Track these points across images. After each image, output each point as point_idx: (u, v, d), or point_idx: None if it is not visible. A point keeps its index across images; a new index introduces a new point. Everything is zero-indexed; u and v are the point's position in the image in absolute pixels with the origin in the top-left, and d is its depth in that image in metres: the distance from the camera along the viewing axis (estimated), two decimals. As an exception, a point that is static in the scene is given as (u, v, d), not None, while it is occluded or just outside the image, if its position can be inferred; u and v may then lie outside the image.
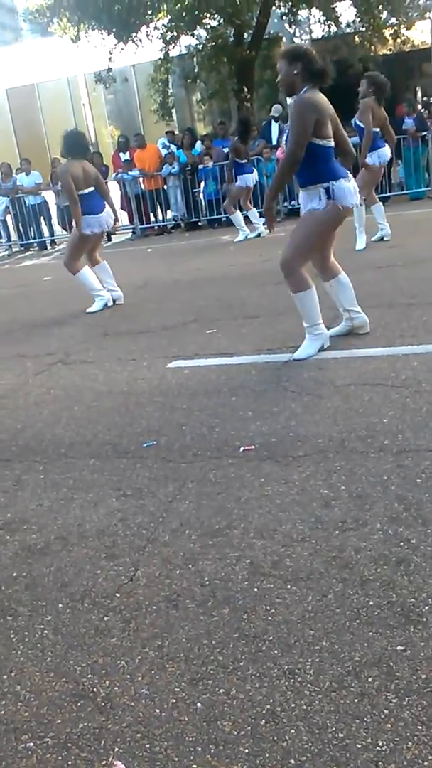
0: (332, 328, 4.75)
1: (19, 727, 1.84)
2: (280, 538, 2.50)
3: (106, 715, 1.83)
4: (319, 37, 17.51)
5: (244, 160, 11.03)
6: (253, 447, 3.27)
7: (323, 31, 17.02)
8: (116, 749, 1.72)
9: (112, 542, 2.65)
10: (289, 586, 2.22)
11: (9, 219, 15.59)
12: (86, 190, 6.94)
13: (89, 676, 1.98)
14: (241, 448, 3.27)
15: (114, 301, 7.25)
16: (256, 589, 2.23)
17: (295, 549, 2.42)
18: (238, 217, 11.11)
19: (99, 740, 1.75)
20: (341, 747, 1.63)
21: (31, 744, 1.78)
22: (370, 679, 1.81)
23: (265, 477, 2.97)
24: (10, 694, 1.96)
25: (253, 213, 11.24)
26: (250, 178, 11.09)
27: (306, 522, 2.57)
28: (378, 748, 1.61)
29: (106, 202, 7.15)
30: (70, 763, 1.70)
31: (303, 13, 16.94)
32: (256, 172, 11.43)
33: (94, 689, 1.92)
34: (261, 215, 9.53)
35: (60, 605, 2.32)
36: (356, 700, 1.75)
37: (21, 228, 15.34)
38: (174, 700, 1.84)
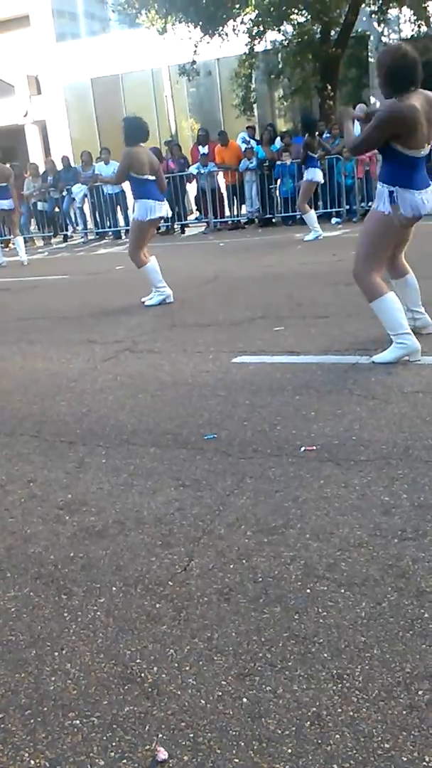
0: None
1: (67, 704, 1.87)
2: (337, 542, 2.47)
3: (152, 700, 1.85)
4: (409, 36, 17.17)
5: (315, 155, 10.92)
6: (314, 448, 3.24)
7: (413, 30, 16.69)
8: (160, 735, 1.73)
9: (168, 531, 2.67)
10: (342, 591, 2.20)
11: (86, 207, 15.87)
12: (150, 177, 6.91)
13: (138, 661, 2.00)
14: (302, 448, 3.25)
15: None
16: (308, 591, 2.22)
17: (351, 554, 2.39)
18: (311, 216, 11.01)
19: (144, 725, 1.77)
20: (386, 758, 1.60)
21: (78, 722, 1.81)
22: (420, 692, 1.77)
23: (325, 479, 2.94)
24: (60, 671, 2.00)
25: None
26: (318, 173, 10.95)
27: (364, 528, 2.54)
28: (425, 763, 1.58)
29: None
30: (114, 744, 1.72)
31: (393, 12, 16.65)
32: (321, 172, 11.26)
33: (142, 674, 1.94)
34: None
35: (114, 588, 2.35)
36: (405, 712, 1.72)
37: (98, 216, 15.60)
38: (220, 693, 1.84)
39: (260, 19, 15.66)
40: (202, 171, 14.24)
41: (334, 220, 12.95)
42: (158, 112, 22.73)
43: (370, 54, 18.56)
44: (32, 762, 1.70)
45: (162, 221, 7.19)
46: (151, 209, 6.93)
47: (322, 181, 11.46)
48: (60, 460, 3.47)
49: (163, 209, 7.08)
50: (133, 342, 5.65)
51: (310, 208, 11.17)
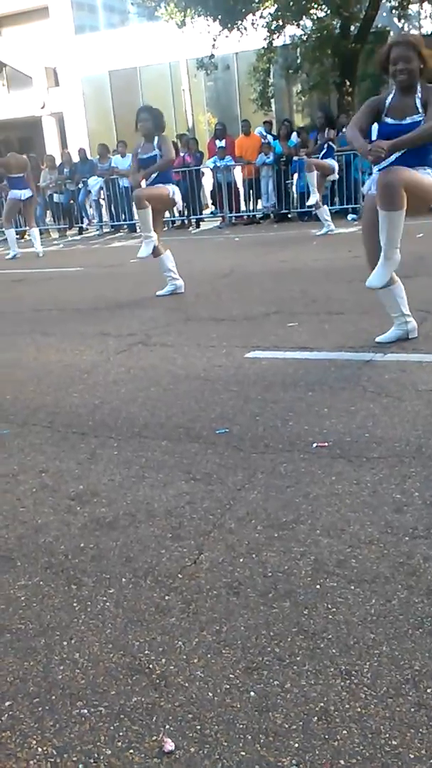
0: (379, 336, 4.71)
1: (75, 694, 1.88)
2: (347, 538, 2.46)
3: (160, 692, 1.85)
4: (429, 33, 17.05)
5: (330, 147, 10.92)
6: (326, 444, 3.23)
7: (433, 26, 16.59)
8: (167, 726, 1.73)
9: (179, 524, 2.67)
10: (352, 587, 2.19)
11: (102, 200, 15.89)
12: None
13: (146, 652, 2.00)
14: (314, 444, 3.24)
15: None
16: (318, 586, 2.21)
17: (362, 551, 2.38)
18: (323, 210, 11.04)
19: (151, 715, 1.77)
20: (393, 755, 1.60)
21: (85, 711, 1.81)
22: (428, 690, 1.76)
23: (337, 475, 2.93)
24: (69, 661, 2.00)
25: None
26: (333, 164, 10.97)
27: (375, 525, 2.53)
28: (432, 761, 1.57)
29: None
30: (121, 734, 1.73)
31: (413, 8, 16.55)
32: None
33: (150, 665, 1.95)
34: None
35: (123, 580, 2.36)
36: (413, 710, 1.71)
37: (113, 209, 15.61)
38: (228, 686, 1.85)
39: (279, 13, 15.62)
40: (219, 165, 14.23)
41: (350, 216, 12.89)
42: (175, 105, 22.70)
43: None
44: (39, 749, 1.71)
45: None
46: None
47: (337, 176, 11.43)
48: (72, 451, 3.48)
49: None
50: (147, 335, 5.65)
51: (323, 203, 11.18)
